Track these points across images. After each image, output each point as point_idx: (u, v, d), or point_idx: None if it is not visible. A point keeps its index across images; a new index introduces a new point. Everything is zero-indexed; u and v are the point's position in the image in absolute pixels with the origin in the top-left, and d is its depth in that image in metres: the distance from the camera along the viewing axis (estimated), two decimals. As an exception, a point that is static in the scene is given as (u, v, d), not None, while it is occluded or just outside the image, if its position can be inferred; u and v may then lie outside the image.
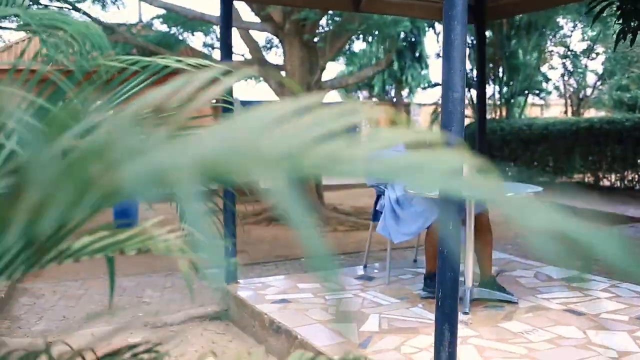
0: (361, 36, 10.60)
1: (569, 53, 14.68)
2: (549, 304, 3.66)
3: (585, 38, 14.94)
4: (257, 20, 9.72)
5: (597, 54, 15.47)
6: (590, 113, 17.05)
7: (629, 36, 4.36)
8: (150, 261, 6.79)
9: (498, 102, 14.17)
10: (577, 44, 15.09)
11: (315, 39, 9.37)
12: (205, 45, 13.46)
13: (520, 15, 13.43)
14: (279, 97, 9.85)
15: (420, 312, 3.55)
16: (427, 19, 7.14)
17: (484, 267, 3.87)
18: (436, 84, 17.20)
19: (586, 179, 11.92)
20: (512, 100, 14.02)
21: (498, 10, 5.10)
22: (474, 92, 14.44)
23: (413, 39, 19.24)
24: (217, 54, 14.23)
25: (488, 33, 14.24)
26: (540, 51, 13.73)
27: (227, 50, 4.06)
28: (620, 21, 4.38)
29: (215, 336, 3.91)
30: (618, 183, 11.15)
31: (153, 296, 4.79)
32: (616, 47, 4.48)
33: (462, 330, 3.19)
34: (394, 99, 21.33)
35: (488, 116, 14.42)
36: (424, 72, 20.58)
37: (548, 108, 20.62)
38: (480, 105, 5.19)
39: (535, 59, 13.86)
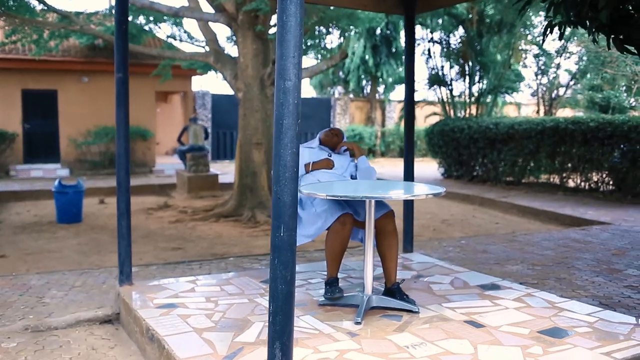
0: (321, 29, 10.31)
1: (540, 52, 14.48)
2: (452, 314, 3.41)
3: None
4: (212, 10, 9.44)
5: (571, 53, 15.29)
6: (565, 113, 16.90)
7: (556, 30, 4.12)
8: (79, 258, 6.53)
9: (468, 100, 13.95)
10: (551, 43, 14.88)
11: (271, 31, 9.09)
12: (170, 36, 13.14)
13: (491, 13, 13.21)
14: (233, 89, 9.58)
15: (311, 321, 3.30)
16: (376, 11, 6.87)
17: (389, 272, 3.62)
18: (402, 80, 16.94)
19: (552, 180, 11.73)
20: (481, 99, 13.80)
21: (430, 1, 4.84)
22: (444, 90, 14.24)
23: (389, 35, 18.99)
24: (185, 46, 13.88)
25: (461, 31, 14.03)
26: (512, 49, 13.50)
27: (122, 38, 3.77)
28: (550, 14, 4.14)
29: (99, 342, 3.64)
30: (583, 184, 10.96)
31: (56, 296, 4.51)
32: (544, 41, 4.23)
33: (344, 343, 2.95)
34: (369, 96, 21.11)
35: (460, 114, 14.22)
36: (400, 68, 20.34)
37: (523, 107, 20.47)
38: (409, 102, 4.93)
39: (505, 57, 13.63)
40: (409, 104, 4.91)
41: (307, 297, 3.75)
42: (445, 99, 14.30)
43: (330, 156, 4.10)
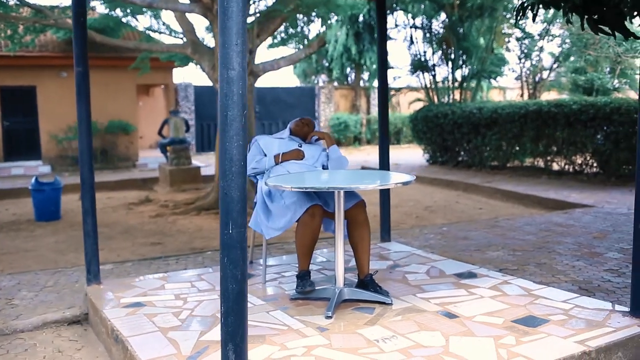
0: (301, 17, 10.19)
1: (523, 35, 14.39)
2: (426, 305, 3.34)
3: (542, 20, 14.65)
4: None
5: (554, 35, 15.22)
6: (550, 96, 16.85)
7: (529, 12, 4.03)
8: (55, 257, 6.41)
9: (451, 85, 13.87)
10: (534, 26, 14.78)
11: (250, 20, 8.94)
12: (148, 29, 12.93)
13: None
14: (212, 80, 9.44)
15: (281, 316, 3.21)
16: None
17: (361, 264, 3.54)
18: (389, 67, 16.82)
19: (536, 163, 11.69)
20: (465, 84, 13.72)
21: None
22: (427, 76, 14.15)
23: (372, 22, 18.83)
24: (165, 39, 13.71)
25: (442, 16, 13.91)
26: (494, 33, 13.41)
27: (80, 30, 3.64)
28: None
29: (66, 344, 3.54)
30: (567, 167, 10.93)
31: (26, 297, 4.40)
32: (517, 24, 4.15)
33: (312, 339, 2.87)
34: (353, 83, 20.97)
35: (443, 100, 14.14)
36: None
37: (508, 91, 20.43)
38: (382, 89, 4.83)
39: (488, 41, 13.53)
40: (382, 91, 4.82)
41: (280, 292, 3.67)
42: (428, 85, 14.20)
43: (301, 146, 4.01)
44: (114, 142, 15.20)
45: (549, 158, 11.21)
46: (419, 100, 14.87)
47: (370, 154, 18.40)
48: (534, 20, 4.18)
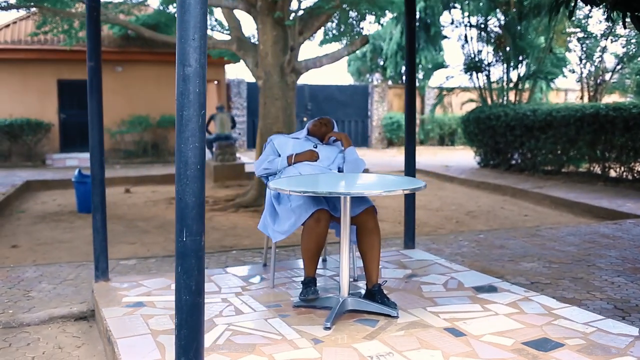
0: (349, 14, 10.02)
1: (584, 35, 13.74)
2: (434, 319, 3.13)
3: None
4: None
5: (618, 36, 14.47)
6: (612, 99, 16.07)
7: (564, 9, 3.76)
8: (87, 249, 6.48)
9: (506, 86, 13.39)
10: (595, 26, 14.05)
11: (292, 17, 8.84)
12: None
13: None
14: (255, 77, 9.39)
15: (278, 324, 3.07)
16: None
17: (369, 273, 3.36)
18: (441, 66, 16.45)
19: (592, 169, 11.14)
20: (520, 85, 13.22)
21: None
22: (481, 76, 13.71)
23: (428, 20, 18.46)
24: (217, 35, 13.78)
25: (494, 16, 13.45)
26: (553, 32, 12.84)
27: (94, 24, 3.60)
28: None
29: (68, 340, 3.51)
30: (625, 174, 10.35)
31: (44, 290, 4.42)
32: (551, 20, 3.87)
33: (303, 351, 2.72)
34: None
35: (497, 101, 13.68)
36: (441, 53, 19.79)
37: (570, 93, 19.64)
38: (409, 88, 4.60)
39: (546, 40, 12.99)
40: (410, 89, 4.59)
41: (285, 298, 3.53)
42: (482, 85, 13.77)
43: (316, 147, 3.86)
44: (165, 136, 15.42)
45: (606, 164, 10.66)
46: (471, 101, 14.44)
47: (422, 154, 18.05)
48: (570, 18, 3.90)
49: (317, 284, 3.36)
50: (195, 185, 1.72)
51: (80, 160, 14.65)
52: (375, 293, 3.30)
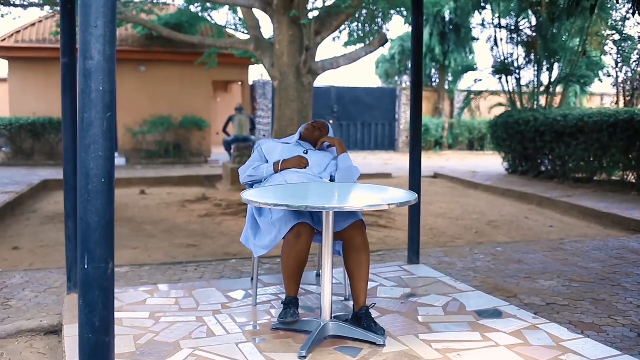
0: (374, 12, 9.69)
1: (621, 38, 13.12)
2: (424, 350, 2.79)
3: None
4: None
5: (658, 38, 13.79)
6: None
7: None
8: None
9: (536, 90, 12.87)
10: (633, 28, 13.42)
11: (310, 16, 8.55)
12: (222, 26, 12.82)
13: (564, -6, 12.06)
14: (271, 78, 9.13)
15: (249, 351, 2.77)
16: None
17: (357, 294, 3.03)
18: (469, 68, 15.96)
19: (626, 178, 10.57)
20: (551, 89, 12.68)
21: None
22: (510, 79, 13.22)
23: (458, 22, 17.98)
24: (241, 35, 13.55)
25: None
26: (587, 35, 12.29)
27: (67, 19, 3.35)
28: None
29: (34, 356, 3.26)
30: (662, 184, 9.79)
31: (25, 298, 4.21)
32: (570, 16, 3.49)
33: (269, 385, 2.41)
34: (437, 85, 20.14)
35: (527, 105, 13.16)
36: (470, 56, 19.29)
37: (606, 98, 18.92)
38: (415, 89, 4.24)
39: (580, 43, 12.43)
40: (416, 90, 4.24)
41: (265, 318, 3.23)
42: (511, 89, 13.26)
43: (307, 153, 3.54)
44: (187, 137, 15.29)
45: (640, 173, 10.10)
46: (500, 105, 13.94)
47: (449, 159, 17.59)
48: (591, 13, 3.51)
49: (309, 303, 3.05)
50: (98, 202, 1.43)
51: (102, 160, 14.61)
52: (361, 317, 2.97)
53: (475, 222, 7.99)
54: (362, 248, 3.02)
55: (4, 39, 14.26)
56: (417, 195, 2.77)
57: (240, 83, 17.38)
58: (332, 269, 2.87)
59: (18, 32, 14.53)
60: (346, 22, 11.13)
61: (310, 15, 8.41)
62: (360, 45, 10.32)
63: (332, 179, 3.53)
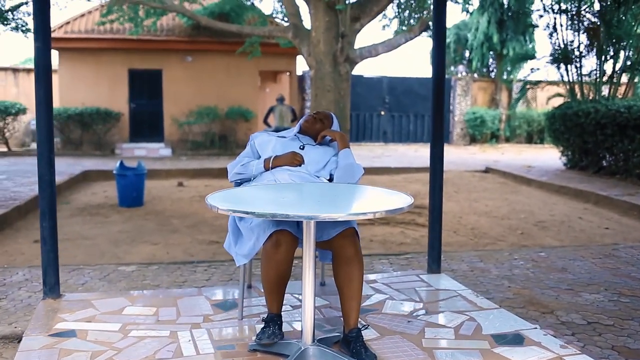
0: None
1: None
2: (419, 384, 2.35)
3: None
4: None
5: None
6: None
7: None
8: (106, 248, 6.07)
9: (599, 80, 11.97)
10: None
11: (347, 0, 8.10)
12: (270, 15, 12.51)
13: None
14: (308, 66, 8.73)
15: (215, 376, 2.40)
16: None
17: (347, 314, 2.61)
18: (525, 57, 15.08)
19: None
20: (614, 78, 11.77)
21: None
22: (571, 68, 12.37)
23: (516, 8, 17.07)
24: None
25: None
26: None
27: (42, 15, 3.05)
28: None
29: (-1, 369, 3.00)
30: None
31: (17, 298, 3.97)
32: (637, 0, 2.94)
33: None
34: (495, 76, 19.25)
35: (589, 96, 12.29)
36: (530, 45, 18.33)
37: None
38: (436, 79, 3.75)
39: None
40: (437, 80, 3.75)
41: (245, 336, 2.84)
42: (572, 79, 12.40)
43: (303, 148, 3.13)
44: (233, 128, 15.10)
45: None
46: (559, 95, 13.09)
47: (505, 153, 16.78)
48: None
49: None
50: None
51: (148, 150, 14.61)
52: (351, 340, 2.55)
53: (522, 222, 7.38)
54: (353, 260, 2.59)
55: (54, 30, 14.40)
56: (411, 201, 2.32)
57: (288, 73, 17.07)
58: (315, 287, 2.46)
59: (67, 23, 14.66)
60: (395, 9, 10.63)
61: (345, 0, 7.96)
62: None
63: (332, 178, 3.10)
